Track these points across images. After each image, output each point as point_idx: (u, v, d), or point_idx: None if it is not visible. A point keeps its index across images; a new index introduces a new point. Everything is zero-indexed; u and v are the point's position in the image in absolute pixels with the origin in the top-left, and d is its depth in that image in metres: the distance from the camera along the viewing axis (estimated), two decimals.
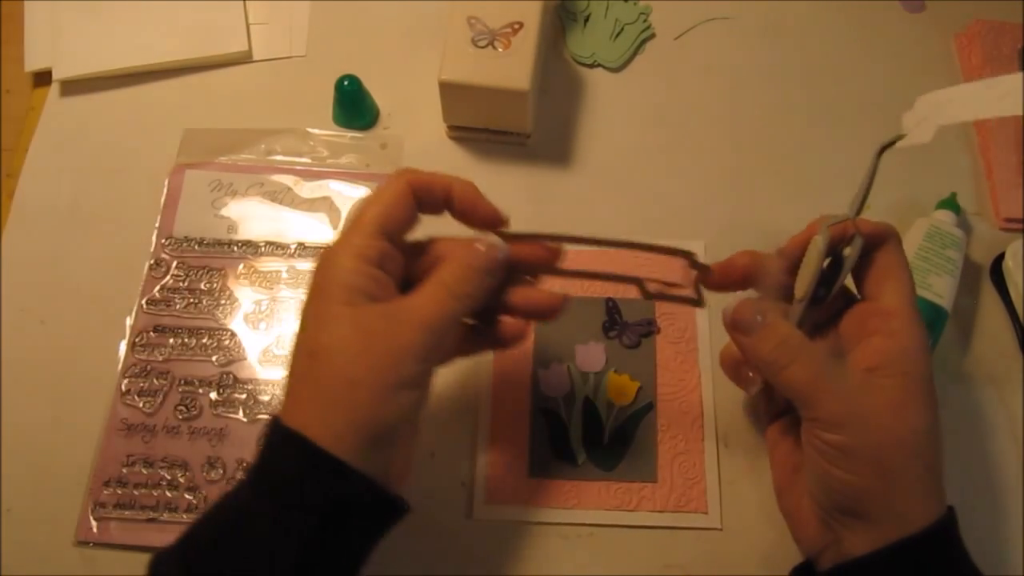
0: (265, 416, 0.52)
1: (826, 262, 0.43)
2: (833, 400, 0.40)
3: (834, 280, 0.43)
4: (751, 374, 0.47)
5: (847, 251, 0.43)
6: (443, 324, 0.39)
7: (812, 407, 0.40)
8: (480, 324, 0.44)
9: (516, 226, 0.43)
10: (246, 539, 0.37)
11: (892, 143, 0.41)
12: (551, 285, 0.46)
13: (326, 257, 0.40)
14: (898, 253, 0.43)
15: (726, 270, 0.44)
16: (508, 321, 0.44)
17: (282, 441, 0.38)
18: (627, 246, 0.44)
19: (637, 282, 0.44)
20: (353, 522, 0.38)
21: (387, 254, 0.40)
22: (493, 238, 0.42)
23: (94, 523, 0.50)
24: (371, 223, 0.40)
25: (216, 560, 0.37)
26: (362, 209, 0.41)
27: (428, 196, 0.42)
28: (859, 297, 0.44)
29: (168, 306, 0.56)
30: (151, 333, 0.55)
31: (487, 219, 0.43)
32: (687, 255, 0.44)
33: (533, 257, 0.43)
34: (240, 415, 0.53)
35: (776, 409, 0.47)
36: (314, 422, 0.37)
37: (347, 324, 0.38)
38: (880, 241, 0.43)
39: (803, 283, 0.43)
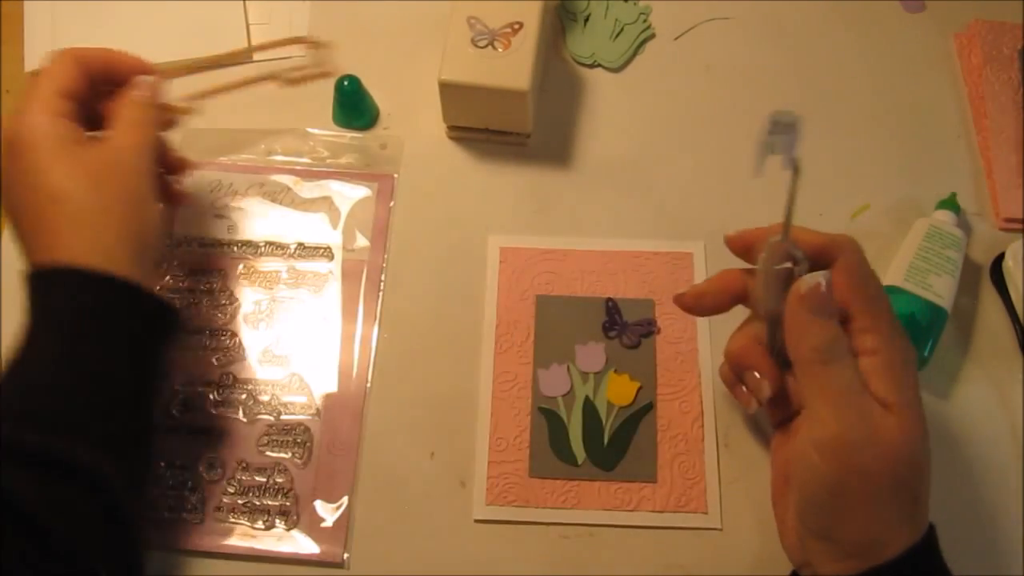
0: (266, 416, 0.52)
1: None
2: (850, 421, 0.38)
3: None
4: (747, 390, 0.46)
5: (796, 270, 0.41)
6: (148, 145, 0.47)
7: (821, 420, 0.39)
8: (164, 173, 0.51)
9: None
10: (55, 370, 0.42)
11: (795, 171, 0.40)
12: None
13: (20, 123, 0.44)
14: (856, 266, 0.41)
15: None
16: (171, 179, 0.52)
17: (64, 279, 0.42)
18: None
19: None
20: (145, 332, 0.45)
21: (73, 112, 0.46)
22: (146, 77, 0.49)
23: None
24: (49, 92, 0.45)
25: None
26: (34, 84, 0.46)
27: (98, 71, 0.48)
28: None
29: None
30: None
31: (138, 70, 0.49)
32: None
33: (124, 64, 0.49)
34: (240, 415, 0.53)
35: (781, 416, 0.46)
36: (82, 252, 0.42)
37: (75, 165, 0.44)
38: (833, 257, 0.41)
39: (762, 300, 0.42)
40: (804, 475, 0.40)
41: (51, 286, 0.43)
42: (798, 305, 0.40)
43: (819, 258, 0.41)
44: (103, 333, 0.43)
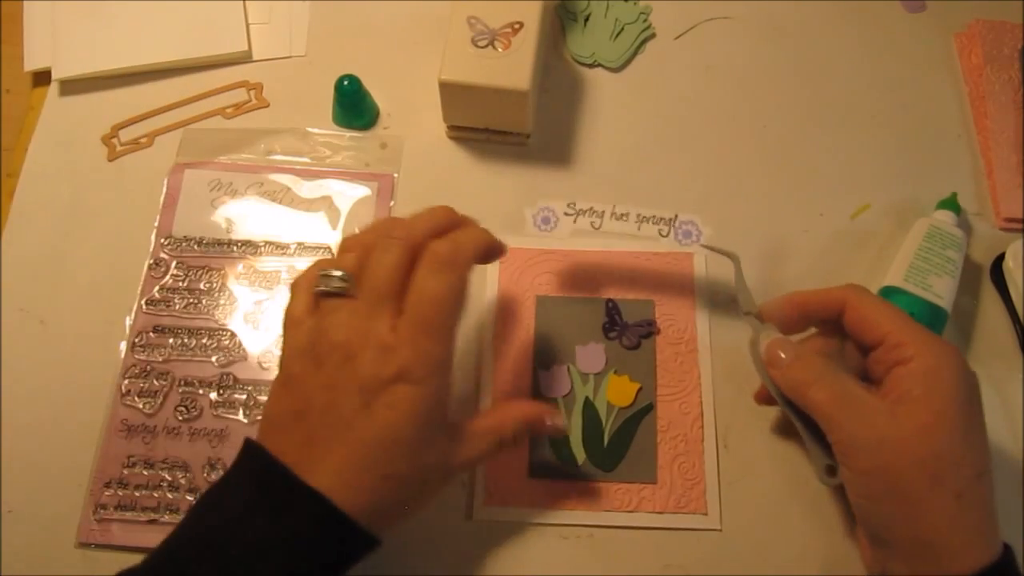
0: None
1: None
2: (853, 422, 0.40)
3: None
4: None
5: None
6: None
7: (834, 429, 0.41)
8: None
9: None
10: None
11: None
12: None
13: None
14: (868, 302, 0.44)
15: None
16: None
17: (313, 508, 0.39)
18: None
19: None
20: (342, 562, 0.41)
21: None
22: (560, 415, 0.47)
23: (95, 525, 0.50)
24: None
25: None
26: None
27: None
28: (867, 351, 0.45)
29: (168, 306, 0.56)
30: (151, 333, 0.55)
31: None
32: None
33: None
34: (240, 416, 0.53)
35: None
36: (352, 494, 0.40)
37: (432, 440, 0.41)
38: (843, 304, 0.45)
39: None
40: (849, 490, 0.42)
41: (296, 501, 0.39)
42: (770, 370, 0.46)
43: (831, 310, 0.45)
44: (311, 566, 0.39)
